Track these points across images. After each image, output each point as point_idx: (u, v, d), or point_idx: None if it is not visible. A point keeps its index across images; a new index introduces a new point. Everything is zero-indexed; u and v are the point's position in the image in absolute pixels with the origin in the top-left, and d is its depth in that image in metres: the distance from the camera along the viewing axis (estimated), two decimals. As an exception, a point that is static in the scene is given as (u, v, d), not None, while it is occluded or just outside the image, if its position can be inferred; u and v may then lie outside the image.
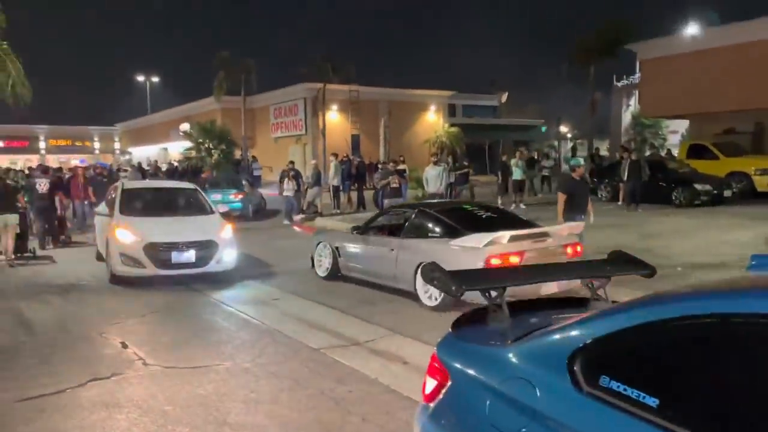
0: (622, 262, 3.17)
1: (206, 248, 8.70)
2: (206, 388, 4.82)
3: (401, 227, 8.11)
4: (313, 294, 8.20)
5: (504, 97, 46.54)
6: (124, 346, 6.00)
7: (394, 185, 16.38)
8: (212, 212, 9.91)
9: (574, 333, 2.16)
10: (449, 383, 2.48)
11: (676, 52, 22.76)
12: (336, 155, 19.91)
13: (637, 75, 28.89)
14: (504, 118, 44.16)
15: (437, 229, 7.59)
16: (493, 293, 2.70)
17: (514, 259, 6.65)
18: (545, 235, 7.39)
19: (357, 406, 4.43)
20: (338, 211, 18.27)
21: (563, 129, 50.46)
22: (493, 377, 2.29)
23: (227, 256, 8.91)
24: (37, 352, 5.87)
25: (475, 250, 6.75)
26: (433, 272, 2.85)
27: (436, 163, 16.10)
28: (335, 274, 8.88)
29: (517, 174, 19.21)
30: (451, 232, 7.30)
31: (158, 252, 8.50)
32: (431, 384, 2.60)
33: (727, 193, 16.64)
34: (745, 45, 20.22)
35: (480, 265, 6.47)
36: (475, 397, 2.32)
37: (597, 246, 10.93)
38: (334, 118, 33.41)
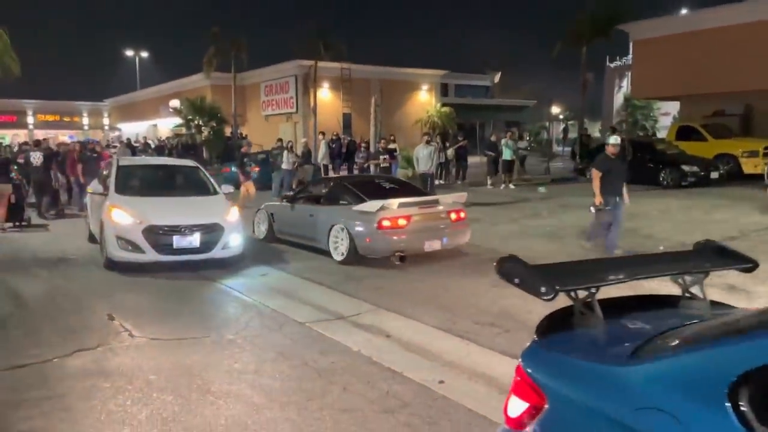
0: (715, 254, 2.75)
1: (211, 232, 8.09)
2: (191, 359, 4.90)
3: (321, 196, 9.54)
4: (300, 270, 8.28)
5: (497, 77, 46.43)
6: (111, 318, 6.06)
7: (384, 165, 16.44)
8: (216, 192, 9.20)
9: (734, 353, 1.68)
10: (546, 408, 2.03)
11: (668, 32, 22.74)
12: (323, 134, 19.85)
13: (630, 56, 28.90)
14: (496, 99, 44.11)
15: (346, 197, 8.90)
16: (581, 293, 2.32)
17: (402, 222, 8.16)
18: (434, 202, 8.84)
19: (339, 376, 4.53)
20: (328, 190, 18.29)
21: (556, 110, 50.47)
22: (614, 405, 1.81)
23: (233, 241, 8.30)
24: (24, 324, 5.92)
25: (370, 213, 8.17)
26: (514, 270, 2.38)
27: (428, 143, 16.12)
28: (271, 237, 10.18)
29: (506, 154, 19.27)
30: (356, 200, 8.61)
31: (159, 236, 7.87)
32: (519, 406, 2.13)
33: (714, 174, 16.79)
34: (736, 26, 20.23)
35: (374, 226, 8.05)
36: (589, 431, 1.86)
37: (583, 225, 11.08)
38: (325, 96, 33.20)
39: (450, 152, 21.67)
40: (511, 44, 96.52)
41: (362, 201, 8.44)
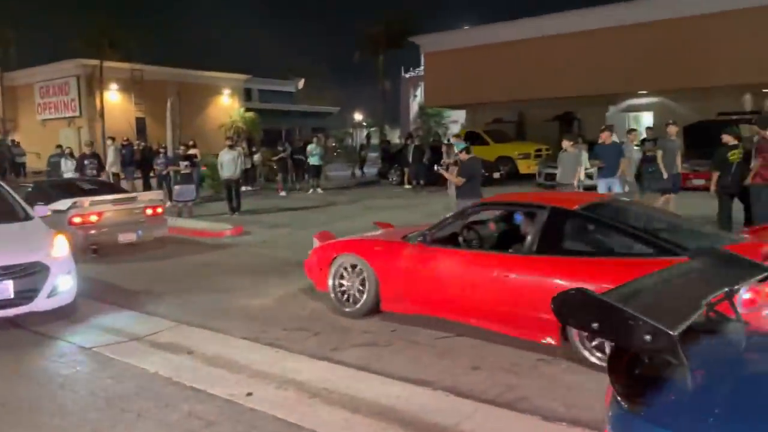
0: (726, 262, 2.34)
1: (31, 275, 5.75)
2: (-61, 407, 4.04)
3: (25, 198, 10.38)
4: (87, 290, 7.36)
5: (301, 84, 46.83)
6: None
7: (185, 172, 15.49)
8: (29, 217, 6.72)
9: None
10: None
11: (453, 46, 24.95)
12: (113, 139, 18.12)
13: (422, 67, 31.12)
14: (302, 105, 44.47)
15: (43, 198, 9.26)
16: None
17: (94, 218, 8.98)
18: (131, 199, 9.87)
19: (132, 402, 4.07)
20: (122, 200, 16.70)
21: (359, 117, 52.46)
22: None
23: (64, 285, 5.99)
24: None
25: (62, 212, 8.71)
26: (586, 310, 1.77)
27: (231, 147, 15.56)
28: None
29: (314, 160, 19.48)
30: (51, 200, 9.09)
31: None
32: None
33: (496, 174, 18.71)
34: (510, 43, 22.92)
35: (65, 222, 8.53)
36: None
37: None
38: (114, 98, 30.50)
39: (257, 158, 21.22)
40: (314, 51, 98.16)
41: (56, 200, 9.08)
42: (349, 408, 3.90)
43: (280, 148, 20.57)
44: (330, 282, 6.08)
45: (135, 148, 18.55)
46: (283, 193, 18.54)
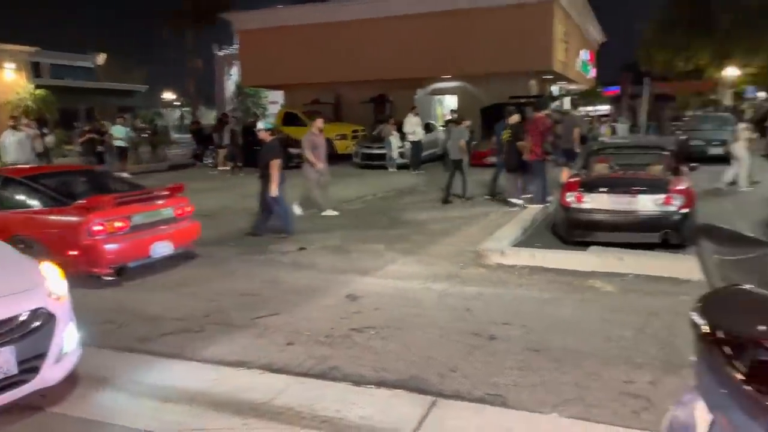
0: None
1: (33, 332, 3.52)
2: None
3: None
4: None
5: (101, 59, 42.60)
6: None
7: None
8: None
9: None
10: None
11: (267, 25, 24.49)
12: None
13: (237, 45, 30.13)
14: (105, 82, 40.56)
15: None
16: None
17: None
18: None
19: None
20: None
21: (171, 96, 49.32)
22: None
23: (71, 340, 3.82)
24: None
25: None
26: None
27: (14, 128, 13.75)
28: None
29: (119, 142, 18.05)
30: None
31: None
32: None
33: (315, 155, 18.98)
34: (323, 25, 23.14)
35: None
36: None
37: (201, 208, 11.18)
38: None
39: (49, 139, 19.00)
40: (118, 25, 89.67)
41: None
42: (159, 398, 3.78)
43: (86, 128, 18.58)
44: None
45: None
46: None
